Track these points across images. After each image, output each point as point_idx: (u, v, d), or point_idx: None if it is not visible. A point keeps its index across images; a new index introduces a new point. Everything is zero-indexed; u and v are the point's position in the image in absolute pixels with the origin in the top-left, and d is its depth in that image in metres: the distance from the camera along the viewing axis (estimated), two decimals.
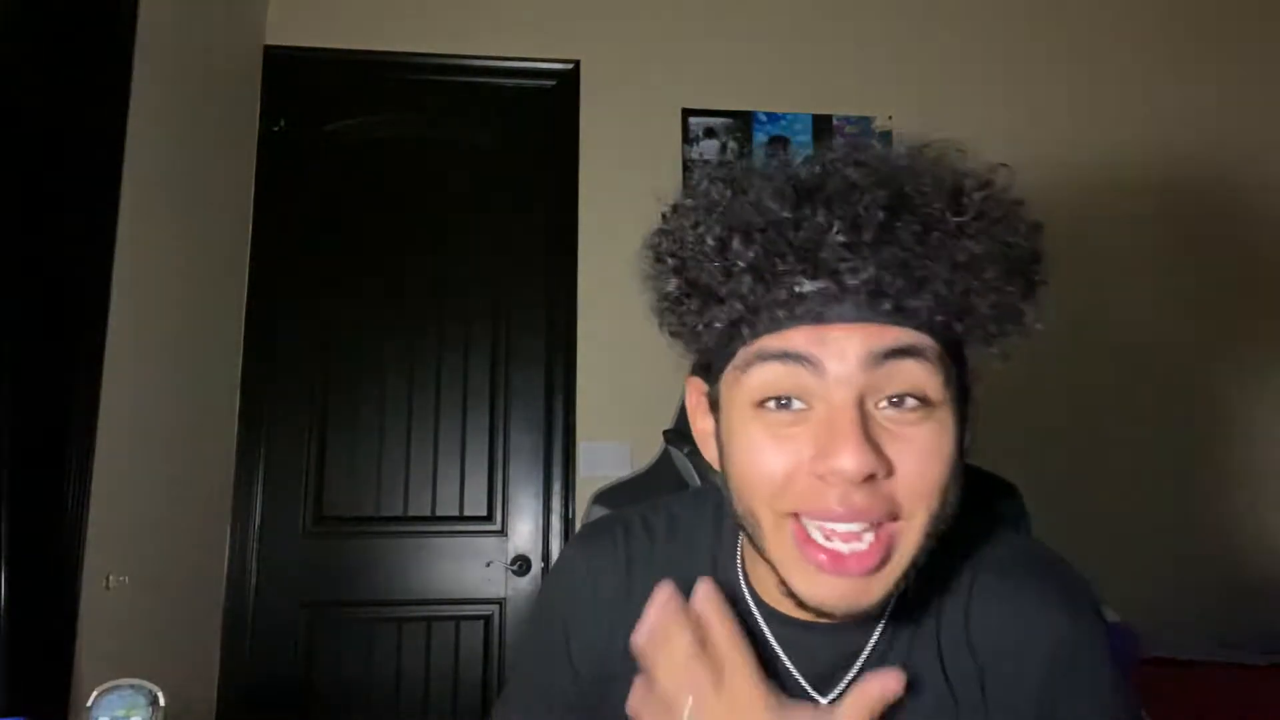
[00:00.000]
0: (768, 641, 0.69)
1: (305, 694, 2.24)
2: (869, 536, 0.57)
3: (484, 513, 2.38)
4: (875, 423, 0.57)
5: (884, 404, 0.57)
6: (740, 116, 2.55)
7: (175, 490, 1.94)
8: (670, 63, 2.56)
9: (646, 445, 1.27)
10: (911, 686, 0.61)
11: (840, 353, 0.56)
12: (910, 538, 0.58)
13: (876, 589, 0.59)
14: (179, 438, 1.95)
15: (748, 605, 0.70)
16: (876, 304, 0.56)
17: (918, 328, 0.57)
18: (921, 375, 0.57)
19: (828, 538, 0.58)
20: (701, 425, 0.68)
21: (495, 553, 2.36)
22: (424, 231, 2.46)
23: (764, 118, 2.56)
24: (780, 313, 0.57)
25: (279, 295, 2.38)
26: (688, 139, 2.53)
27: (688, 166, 2.51)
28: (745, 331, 0.58)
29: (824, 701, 0.66)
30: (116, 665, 1.49)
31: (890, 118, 2.58)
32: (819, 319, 0.57)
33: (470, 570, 2.34)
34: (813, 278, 0.56)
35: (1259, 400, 2.56)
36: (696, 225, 0.59)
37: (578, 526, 1.21)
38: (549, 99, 2.56)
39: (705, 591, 0.65)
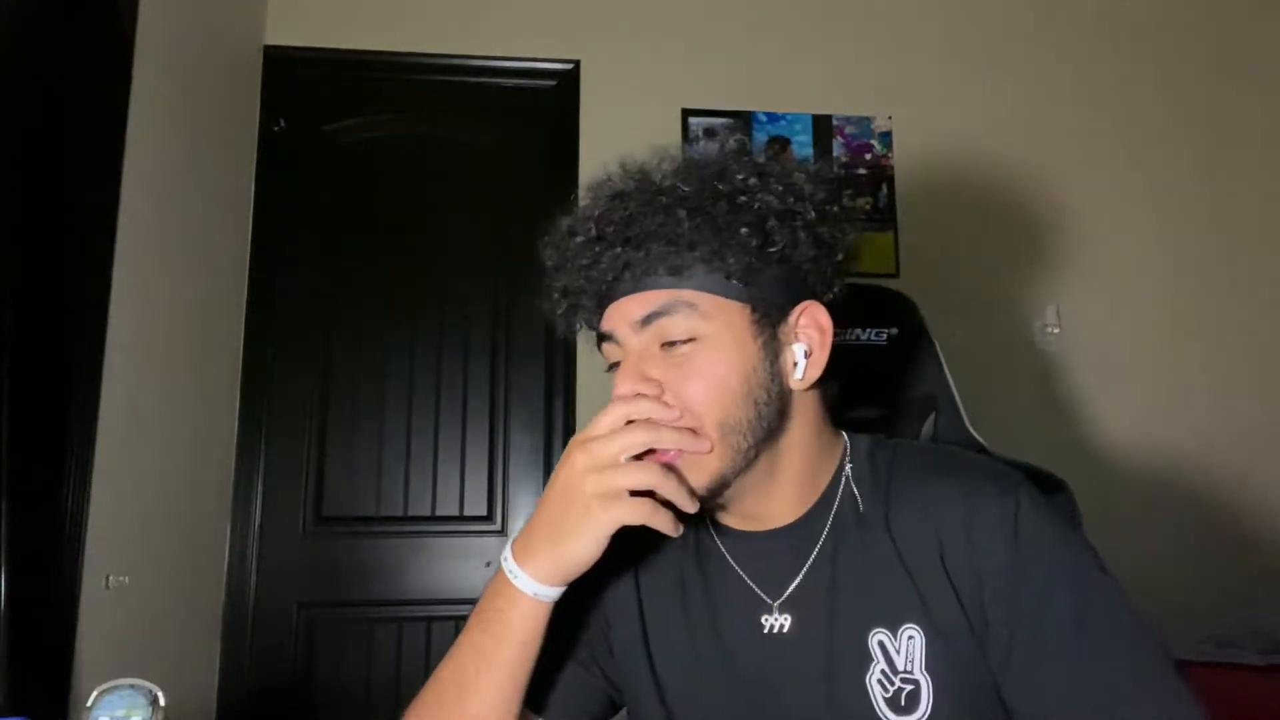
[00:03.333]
0: (722, 554, 0.87)
1: (305, 694, 2.24)
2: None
3: (484, 512, 2.38)
4: (655, 360, 0.79)
5: (664, 347, 0.79)
6: (740, 116, 2.55)
7: (175, 490, 1.94)
8: (670, 63, 2.56)
9: None
10: (871, 577, 0.79)
11: (622, 324, 0.81)
12: (710, 440, 0.77)
13: (697, 477, 0.78)
14: (179, 438, 1.95)
15: (707, 528, 0.88)
16: (630, 285, 0.81)
17: (678, 289, 0.79)
18: (680, 323, 0.78)
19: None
20: None
21: (495, 553, 2.36)
22: (424, 231, 2.46)
23: (764, 118, 2.56)
24: (595, 304, 0.84)
25: (279, 295, 2.38)
26: (688, 139, 2.52)
27: None
28: (595, 320, 0.85)
29: (774, 604, 0.83)
30: (116, 665, 1.50)
31: (890, 118, 2.58)
32: (609, 301, 0.82)
33: (470, 570, 2.34)
34: (598, 280, 0.82)
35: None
36: (553, 265, 0.90)
37: None
38: (549, 99, 2.56)
39: None
